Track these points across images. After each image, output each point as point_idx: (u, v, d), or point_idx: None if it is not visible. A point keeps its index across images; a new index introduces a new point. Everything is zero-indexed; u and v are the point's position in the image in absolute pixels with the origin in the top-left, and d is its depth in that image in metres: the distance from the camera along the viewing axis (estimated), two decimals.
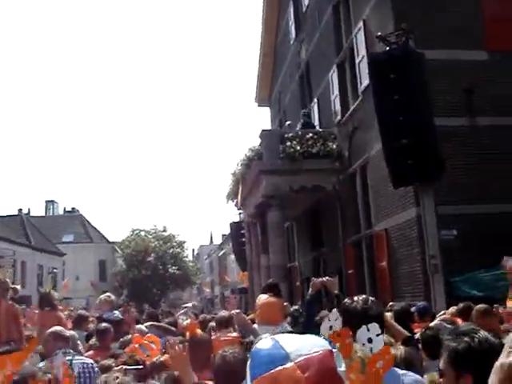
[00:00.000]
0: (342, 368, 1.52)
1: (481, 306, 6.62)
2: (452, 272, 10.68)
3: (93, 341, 6.60)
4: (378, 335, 2.05)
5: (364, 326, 2.04)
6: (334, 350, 1.53)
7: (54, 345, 4.77)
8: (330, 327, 2.02)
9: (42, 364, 3.12)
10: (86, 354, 5.77)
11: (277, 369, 1.44)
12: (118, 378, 3.21)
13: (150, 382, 4.00)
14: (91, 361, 4.85)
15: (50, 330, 5.18)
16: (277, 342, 1.52)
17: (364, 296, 3.08)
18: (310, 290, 5.82)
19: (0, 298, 7.91)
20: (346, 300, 3.10)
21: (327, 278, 5.95)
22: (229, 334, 4.94)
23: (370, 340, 2.02)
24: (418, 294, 11.24)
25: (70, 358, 4.18)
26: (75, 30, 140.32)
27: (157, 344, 5.21)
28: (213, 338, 5.11)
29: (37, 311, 13.84)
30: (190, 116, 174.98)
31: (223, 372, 3.37)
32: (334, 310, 2.12)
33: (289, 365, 1.45)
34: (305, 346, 1.50)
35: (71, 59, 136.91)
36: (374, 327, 2.07)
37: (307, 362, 1.44)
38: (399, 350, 3.51)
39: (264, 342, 1.56)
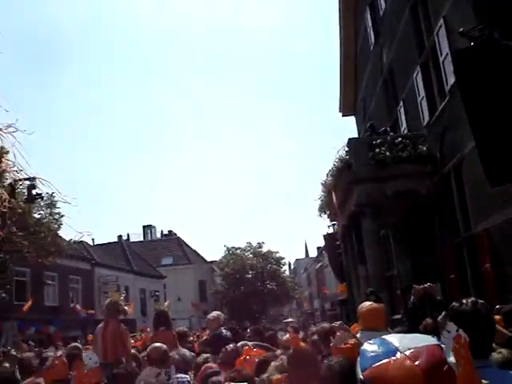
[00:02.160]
0: (451, 359, 1.49)
1: None
2: None
3: (201, 359, 6.62)
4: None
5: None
6: (442, 346, 1.50)
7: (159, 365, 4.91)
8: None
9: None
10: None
11: (386, 360, 1.43)
12: None
13: None
14: (187, 378, 4.98)
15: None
16: (384, 340, 1.52)
17: (472, 298, 2.99)
18: (412, 297, 5.70)
19: (110, 318, 8.14)
20: (454, 303, 3.01)
21: (428, 284, 5.83)
22: (349, 340, 4.81)
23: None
24: None
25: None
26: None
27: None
28: (331, 345, 5.04)
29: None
30: (279, 130, 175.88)
31: (330, 381, 3.34)
32: (451, 323, 2.02)
33: (398, 355, 1.43)
34: (412, 341, 1.50)
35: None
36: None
37: (417, 352, 1.43)
38: (501, 352, 3.36)
39: (371, 341, 1.56)
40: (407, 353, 1.44)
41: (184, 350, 6.54)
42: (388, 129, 18.68)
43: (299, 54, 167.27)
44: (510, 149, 9.28)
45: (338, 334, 4.91)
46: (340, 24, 25.16)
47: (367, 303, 6.93)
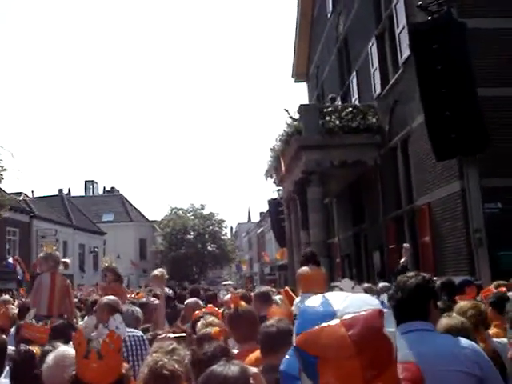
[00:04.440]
0: (391, 329, 1.46)
1: None
2: (497, 246, 10.45)
3: None
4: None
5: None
6: (384, 310, 1.47)
7: (107, 315, 4.80)
8: None
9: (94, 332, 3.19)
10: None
11: (321, 325, 1.40)
12: (171, 344, 3.19)
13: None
14: (141, 333, 4.91)
15: (103, 301, 5.23)
16: (326, 300, 1.48)
17: (416, 272, 3.14)
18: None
19: (54, 270, 7.85)
20: (399, 278, 3.11)
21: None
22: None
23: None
24: (462, 268, 11.06)
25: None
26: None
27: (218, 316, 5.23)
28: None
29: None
30: (228, 92, 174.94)
31: (267, 341, 3.36)
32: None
33: (334, 322, 1.40)
34: (354, 304, 1.45)
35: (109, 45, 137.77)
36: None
37: (353, 320, 1.39)
38: (451, 316, 3.48)
39: (314, 300, 1.51)
40: (344, 318, 1.39)
41: (134, 306, 6.47)
42: (335, 96, 18.81)
43: (258, 18, 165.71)
44: (457, 125, 9.46)
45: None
46: None
47: (306, 267, 7.07)
